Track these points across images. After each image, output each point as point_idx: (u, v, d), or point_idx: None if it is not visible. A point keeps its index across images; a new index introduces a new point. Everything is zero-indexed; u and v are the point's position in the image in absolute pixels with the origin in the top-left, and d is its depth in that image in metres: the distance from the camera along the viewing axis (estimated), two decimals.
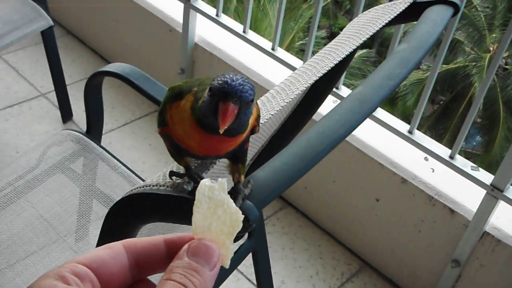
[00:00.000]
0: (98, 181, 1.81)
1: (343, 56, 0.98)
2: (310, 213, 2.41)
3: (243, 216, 0.51)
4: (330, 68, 0.94)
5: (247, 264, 2.12)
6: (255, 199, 0.62)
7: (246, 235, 1.59)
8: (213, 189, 0.51)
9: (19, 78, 2.99)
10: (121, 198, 0.73)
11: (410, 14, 1.06)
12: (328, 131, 0.68)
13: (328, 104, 2.16)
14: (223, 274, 1.55)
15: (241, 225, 0.51)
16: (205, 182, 0.52)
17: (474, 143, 16.67)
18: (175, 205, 0.68)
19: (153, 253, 0.51)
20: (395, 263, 2.18)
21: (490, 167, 14.17)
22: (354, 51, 1.02)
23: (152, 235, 1.08)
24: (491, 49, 15.35)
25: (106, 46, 3.15)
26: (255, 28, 12.03)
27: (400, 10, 1.04)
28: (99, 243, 0.84)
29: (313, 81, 0.90)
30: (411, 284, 2.16)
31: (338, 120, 0.70)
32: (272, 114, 0.78)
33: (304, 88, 0.89)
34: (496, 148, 14.27)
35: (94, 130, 1.92)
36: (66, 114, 2.77)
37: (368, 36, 0.99)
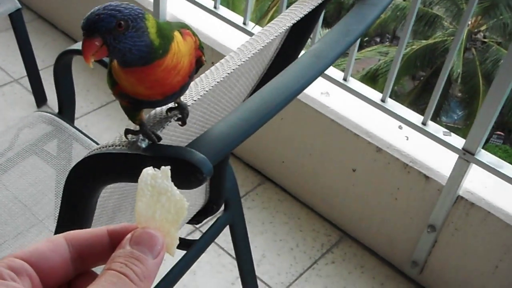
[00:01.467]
0: (74, 161, 1.80)
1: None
2: (289, 187, 2.42)
3: (188, 203, 0.50)
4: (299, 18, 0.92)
5: (228, 240, 2.13)
6: (208, 152, 0.62)
7: (223, 207, 1.60)
8: (156, 177, 0.50)
9: None
10: (79, 161, 0.73)
11: None
12: (283, 86, 0.69)
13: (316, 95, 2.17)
14: (199, 248, 1.56)
15: (186, 212, 0.50)
16: (147, 171, 0.50)
17: (456, 117, 16.83)
18: (130, 163, 0.68)
19: (96, 244, 0.50)
20: (373, 232, 2.21)
21: None
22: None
23: (120, 204, 1.08)
24: (469, 23, 15.41)
25: (78, 28, 3.11)
26: (233, 7, 11.97)
27: None
28: (62, 211, 0.84)
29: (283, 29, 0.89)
30: (390, 252, 2.18)
31: (293, 75, 0.71)
32: (232, 70, 0.78)
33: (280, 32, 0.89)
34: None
35: (66, 110, 1.90)
36: (40, 99, 2.74)
37: None
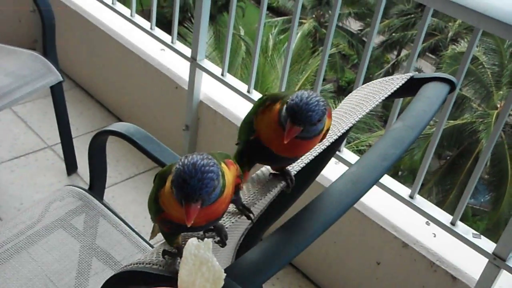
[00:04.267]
0: (99, 238, 1.81)
1: (343, 131, 1.00)
2: (311, 274, 2.38)
3: (225, 274, 0.54)
4: (329, 144, 0.96)
5: None
6: (239, 278, 0.62)
7: None
8: (199, 248, 0.55)
9: (27, 129, 3.03)
10: (115, 273, 0.73)
11: (407, 90, 1.08)
12: (320, 213, 0.69)
13: (330, 165, 2.17)
14: None
15: (222, 283, 0.54)
16: (192, 241, 0.55)
17: (482, 200, 16.55)
18: (165, 284, 0.69)
19: None
20: None
21: (499, 225, 14.01)
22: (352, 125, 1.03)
23: None
24: (498, 105, 15.43)
25: (114, 100, 3.20)
26: (262, 80, 12.18)
27: (398, 85, 1.06)
28: None
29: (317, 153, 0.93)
30: None
31: (330, 202, 0.71)
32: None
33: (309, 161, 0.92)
34: (504, 205, 14.16)
35: (96, 186, 1.93)
36: (71, 166, 2.79)
37: (365, 113, 1.00)
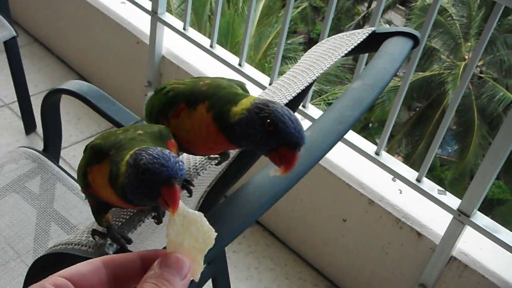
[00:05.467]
0: (56, 202, 1.74)
1: (302, 87, 0.94)
2: (278, 232, 2.36)
3: (215, 233, 0.54)
4: (288, 101, 0.90)
5: None
6: None
7: None
8: (188, 208, 0.55)
9: None
10: (41, 256, 0.67)
11: (369, 45, 1.02)
12: (269, 183, 0.64)
13: None
14: None
15: (213, 242, 0.54)
16: (181, 202, 0.55)
17: (450, 150, 16.83)
18: None
19: (129, 267, 0.54)
20: (362, 285, 2.14)
21: (464, 174, 14.30)
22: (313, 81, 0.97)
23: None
24: (466, 57, 15.52)
25: (74, 56, 3.07)
26: (232, 32, 11.95)
27: (359, 41, 0.99)
28: None
29: None
30: None
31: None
32: None
33: None
34: (471, 155, 14.41)
35: (51, 148, 1.85)
36: (29, 125, 2.69)
37: (325, 67, 0.94)
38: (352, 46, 0.96)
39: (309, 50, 1.10)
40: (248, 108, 0.69)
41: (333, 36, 1.06)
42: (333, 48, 0.98)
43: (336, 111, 0.76)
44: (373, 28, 1.02)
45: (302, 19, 19.28)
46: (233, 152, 0.99)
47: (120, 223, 0.68)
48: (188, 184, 0.77)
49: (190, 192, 0.76)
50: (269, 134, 0.66)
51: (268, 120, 0.66)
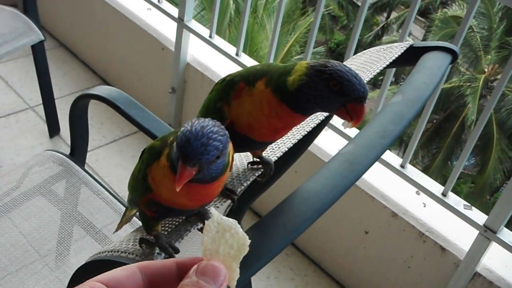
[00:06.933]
0: (80, 205, 1.75)
1: None
2: (298, 242, 2.35)
3: (249, 240, 0.53)
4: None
5: None
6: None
7: None
8: (222, 215, 0.54)
9: (8, 89, 2.93)
10: (87, 261, 0.68)
11: (406, 59, 1.01)
12: (314, 197, 0.63)
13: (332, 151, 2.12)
14: None
15: (247, 249, 0.53)
16: (214, 210, 0.55)
17: (466, 163, 16.68)
18: None
19: (165, 274, 0.54)
20: None
21: (483, 189, 14.14)
22: None
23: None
24: (486, 70, 15.40)
25: (99, 61, 3.10)
26: (251, 40, 11.97)
27: (397, 54, 0.99)
28: None
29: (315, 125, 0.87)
30: None
31: (325, 185, 0.65)
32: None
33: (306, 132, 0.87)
34: (490, 169, 14.27)
35: (78, 152, 1.86)
36: (53, 128, 2.71)
37: (366, 80, 0.94)
38: (391, 60, 0.95)
39: (345, 63, 1.10)
40: (306, 72, 0.71)
41: (370, 49, 1.06)
42: (371, 61, 0.98)
43: (378, 125, 0.76)
44: (410, 42, 1.02)
45: (320, 28, 19.28)
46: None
47: (166, 232, 0.68)
48: (232, 194, 0.77)
49: (234, 202, 0.76)
50: (336, 93, 0.69)
51: (333, 81, 0.69)
